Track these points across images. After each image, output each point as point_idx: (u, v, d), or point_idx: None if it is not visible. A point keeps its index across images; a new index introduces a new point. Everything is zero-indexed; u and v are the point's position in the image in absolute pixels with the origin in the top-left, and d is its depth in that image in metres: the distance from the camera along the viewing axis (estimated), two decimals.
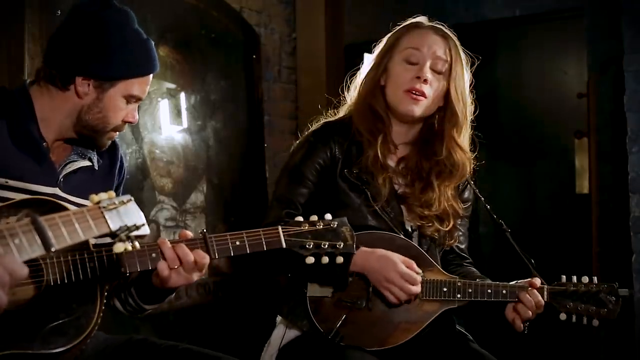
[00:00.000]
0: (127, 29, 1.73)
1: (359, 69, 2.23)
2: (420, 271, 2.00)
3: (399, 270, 1.96)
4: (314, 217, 1.76)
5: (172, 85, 3.46)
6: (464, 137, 2.14)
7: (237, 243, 1.66)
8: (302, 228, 1.73)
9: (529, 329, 2.02)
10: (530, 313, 1.98)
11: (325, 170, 2.10)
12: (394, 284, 1.96)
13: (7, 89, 1.79)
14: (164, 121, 3.42)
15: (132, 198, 1.42)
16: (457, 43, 2.13)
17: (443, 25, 2.16)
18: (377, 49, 2.18)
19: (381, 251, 1.99)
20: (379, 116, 2.12)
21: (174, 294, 1.73)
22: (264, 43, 4.00)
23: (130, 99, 1.75)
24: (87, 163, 1.80)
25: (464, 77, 2.12)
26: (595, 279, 2.04)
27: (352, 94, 2.22)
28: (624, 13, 3.70)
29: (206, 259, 1.62)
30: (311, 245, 1.72)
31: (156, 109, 3.38)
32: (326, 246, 1.73)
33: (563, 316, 2.02)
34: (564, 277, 2.05)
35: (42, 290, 1.48)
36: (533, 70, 4.54)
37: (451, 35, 2.14)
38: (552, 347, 4.12)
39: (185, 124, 3.53)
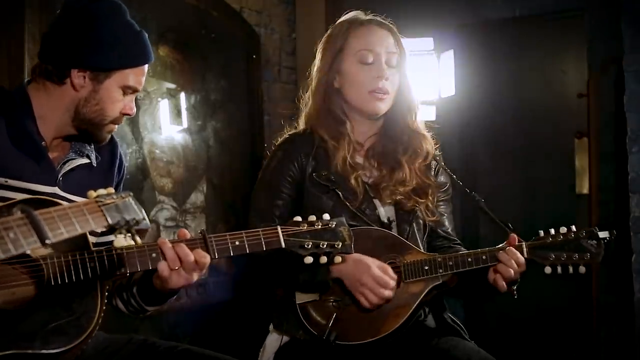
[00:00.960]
0: (118, 21, 1.73)
1: (309, 76, 2.25)
2: (395, 276, 2.01)
3: (372, 274, 1.97)
4: (313, 217, 1.78)
5: (172, 85, 3.46)
6: (419, 122, 2.21)
7: (237, 243, 1.67)
8: (300, 228, 1.74)
9: (517, 292, 2.02)
10: (512, 272, 1.97)
11: (296, 181, 2.13)
12: (367, 288, 1.97)
13: (5, 88, 1.79)
14: (164, 121, 3.42)
15: (132, 193, 1.43)
16: (397, 32, 2.18)
17: (379, 16, 2.20)
18: (323, 52, 2.21)
19: (357, 256, 1.99)
20: (339, 119, 2.16)
21: (175, 296, 1.73)
22: (264, 43, 4.00)
23: (126, 89, 1.75)
24: (85, 160, 1.80)
25: (406, 63, 2.19)
26: (573, 227, 2.02)
27: (307, 103, 2.24)
28: (624, 13, 3.69)
29: (206, 259, 1.62)
30: (310, 245, 1.73)
31: (156, 109, 3.38)
32: (325, 246, 1.75)
33: (548, 269, 2.00)
34: (541, 231, 2.04)
35: (42, 290, 1.48)
36: (533, 70, 4.53)
37: (392, 26, 2.18)
38: (552, 347, 4.12)
39: (185, 124, 3.53)
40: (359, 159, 2.18)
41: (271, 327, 2.17)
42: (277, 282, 2.12)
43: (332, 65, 2.16)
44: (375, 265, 1.99)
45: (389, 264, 2.04)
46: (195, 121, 3.58)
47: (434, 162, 2.25)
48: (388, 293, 1.98)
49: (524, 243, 2.02)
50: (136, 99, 3.22)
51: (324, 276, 1.98)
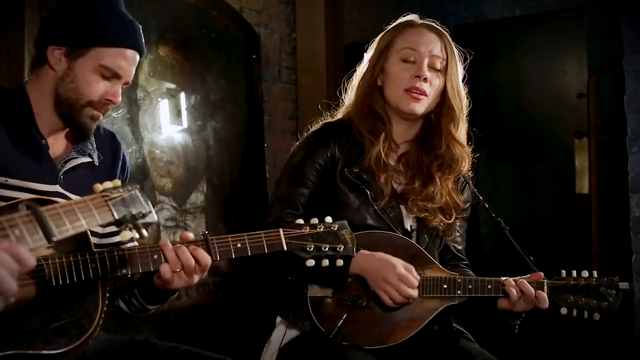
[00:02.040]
0: (107, 6, 1.73)
1: (355, 70, 2.24)
2: (418, 277, 1.99)
3: (397, 272, 1.95)
4: (315, 220, 1.77)
5: (172, 85, 3.45)
6: (461, 132, 2.16)
7: (239, 245, 1.67)
8: (303, 231, 1.74)
9: (519, 328, 2.03)
10: (517, 302, 1.97)
11: (325, 171, 2.10)
12: (391, 285, 1.95)
13: (4, 88, 1.79)
14: (164, 121, 3.42)
15: (138, 186, 1.41)
16: (450, 39, 2.15)
17: (435, 22, 2.17)
18: (372, 50, 2.19)
19: (382, 254, 1.98)
20: (379, 116, 2.13)
21: (176, 294, 1.73)
22: (264, 43, 3.99)
23: (105, 71, 1.70)
24: (87, 159, 1.79)
25: (458, 72, 2.14)
26: (595, 273, 2.03)
27: (349, 96, 2.22)
28: (624, 13, 3.70)
29: (208, 261, 1.62)
30: (312, 248, 1.73)
31: (156, 109, 3.38)
32: (327, 249, 1.74)
33: (564, 310, 2.01)
34: (563, 271, 2.04)
35: (43, 291, 1.48)
36: (533, 70, 4.54)
37: (444, 32, 2.16)
38: (553, 347, 4.12)
39: (185, 124, 3.52)
40: (392, 161, 2.15)
41: (278, 319, 2.15)
42: (287, 273, 2.09)
43: (377, 63, 2.14)
44: (400, 264, 1.97)
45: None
46: (195, 121, 3.57)
47: (461, 179, 2.21)
48: (412, 292, 1.96)
49: (545, 281, 2.01)
50: (136, 100, 3.25)
51: (344, 272, 1.94)
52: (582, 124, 4.10)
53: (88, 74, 1.70)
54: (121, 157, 1.91)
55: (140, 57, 1.79)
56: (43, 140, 1.72)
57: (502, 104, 4.59)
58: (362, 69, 2.20)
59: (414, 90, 2.07)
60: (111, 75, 1.72)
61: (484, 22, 4.47)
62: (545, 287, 2.00)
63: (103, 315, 1.56)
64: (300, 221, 1.77)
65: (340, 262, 1.77)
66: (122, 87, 1.76)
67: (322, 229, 1.75)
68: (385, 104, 2.14)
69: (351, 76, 2.24)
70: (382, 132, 2.11)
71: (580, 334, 4.03)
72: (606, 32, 3.94)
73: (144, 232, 1.37)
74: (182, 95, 3.51)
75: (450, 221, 2.13)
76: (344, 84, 2.27)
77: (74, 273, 1.50)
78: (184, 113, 3.52)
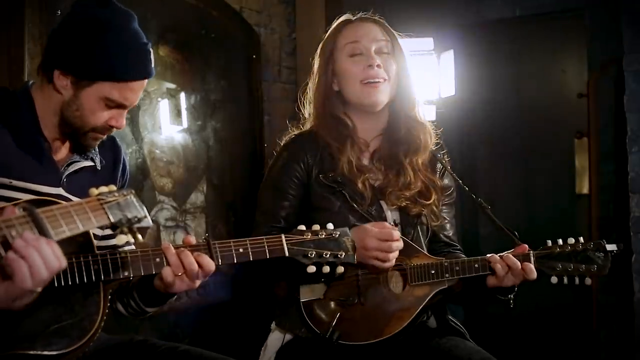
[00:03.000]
0: (123, 31, 1.68)
1: (307, 84, 2.24)
2: (394, 227, 2.01)
3: (374, 234, 1.94)
4: (317, 227, 1.78)
5: (172, 85, 3.45)
6: (418, 110, 2.19)
7: (241, 250, 1.68)
8: (304, 237, 1.75)
9: (514, 302, 2.04)
10: (504, 275, 1.97)
11: (302, 182, 2.12)
12: (374, 249, 1.94)
13: (9, 89, 1.79)
14: (164, 121, 3.42)
15: (133, 191, 1.42)
16: (385, 23, 2.18)
17: (367, 13, 2.20)
18: (317, 59, 2.22)
19: (354, 228, 1.98)
20: (341, 121, 2.14)
21: (175, 297, 1.73)
22: (264, 43, 3.99)
23: (109, 102, 1.70)
24: (89, 163, 1.80)
25: (403, 53, 2.16)
26: (581, 238, 2.03)
27: (308, 110, 2.24)
28: (624, 13, 3.69)
29: (210, 266, 1.62)
30: (313, 255, 1.74)
31: (156, 109, 3.38)
32: (328, 255, 1.76)
33: (554, 279, 2.01)
34: (549, 241, 2.04)
35: (45, 292, 1.48)
36: (533, 70, 4.54)
37: (380, 19, 2.19)
38: (553, 347, 4.12)
39: (185, 124, 3.52)
40: (365, 161, 2.17)
41: (273, 324, 2.16)
42: (280, 278, 2.10)
43: (327, 68, 2.16)
44: (372, 226, 1.96)
45: (396, 266, 2.03)
46: (195, 121, 3.57)
47: (439, 165, 2.23)
48: (397, 244, 1.96)
49: (532, 252, 2.01)
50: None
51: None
52: (582, 124, 4.09)
53: (93, 104, 1.69)
54: (121, 161, 1.91)
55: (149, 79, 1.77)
56: (47, 143, 1.72)
57: (502, 104, 4.59)
58: (313, 79, 2.21)
59: (370, 79, 2.08)
60: (117, 105, 1.71)
61: (484, 22, 4.46)
62: (532, 258, 2.00)
63: (104, 317, 1.56)
64: (302, 227, 1.78)
65: (341, 269, 1.78)
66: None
67: (323, 236, 1.77)
68: (345, 107, 2.15)
69: (305, 90, 2.26)
70: (347, 137, 2.12)
71: (580, 333, 4.03)
72: (606, 32, 3.94)
73: (139, 236, 1.38)
74: (182, 95, 3.51)
75: (430, 203, 2.13)
76: (300, 99, 2.27)
77: (76, 274, 1.50)
78: (184, 113, 3.52)
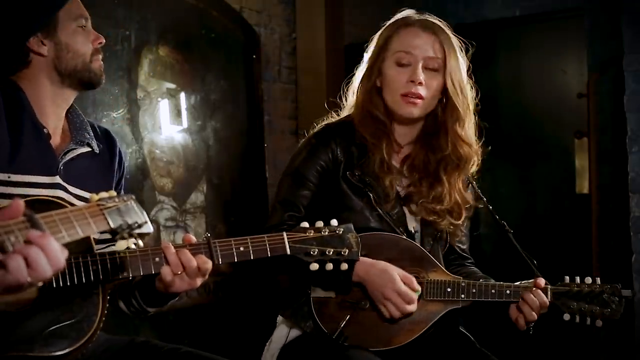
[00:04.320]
0: None
1: (354, 73, 2.21)
2: (419, 288, 1.99)
3: (397, 289, 1.94)
4: (320, 224, 1.75)
5: (172, 85, 3.46)
6: (469, 129, 2.12)
7: (241, 249, 1.66)
8: (307, 234, 1.72)
9: (534, 330, 2.02)
10: (535, 314, 1.97)
11: (327, 173, 2.08)
12: (391, 302, 1.95)
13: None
14: (164, 121, 3.42)
15: (134, 196, 1.42)
16: (449, 33, 2.09)
17: (432, 17, 2.13)
18: (369, 51, 2.17)
19: (382, 265, 1.97)
20: (380, 120, 2.10)
21: (177, 298, 1.73)
22: (264, 43, 4.00)
23: (80, 21, 1.74)
24: (86, 149, 1.80)
25: (460, 67, 2.08)
26: (598, 279, 2.04)
27: (350, 100, 2.20)
28: (624, 13, 3.70)
29: (209, 265, 1.61)
30: (316, 252, 1.71)
31: (156, 109, 3.38)
32: (331, 253, 1.72)
33: (567, 316, 2.01)
34: (567, 277, 2.05)
35: (44, 292, 1.48)
36: (533, 70, 4.53)
37: (441, 26, 2.10)
38: (553, 347, 4.11)
39: (185, 124, 3.52)
40: (395, 163, 2.12)
41: (279, 319, 2.14)
42: (290, 274, 2.08)
43: (375, 65, 2.11)
44: (400, 279, 1.95)
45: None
46: (195, 121, 3.57)
47: (470, 185, 2.20)
48: (411, 308, 1.95)
49: (549, 287, 2.01)
50: (136, 100, 3.26)
51: (347, 277, 1.94)
52: (582, 124, 4.10)
53: (72, 34, 1.74)
54: (118, 153, 1.91)
55: None
56: (45, 129, 1.72)
57: (502, 104, 4.58)
58: (361, 71, 2.17)
59: (410, 95, 2.04)
60: (85, 19, 1.76)
61: (484, 22, 4.46)
62: (549, 293, 2.00)
63: (103, 318, 1.55)
64: (305, 224, 1.74)
65: (344, 266, 1.75)
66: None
67: (326, 233, 1.73)
68: (385, 107, 2.12)
69: (350, 80, 2.22)
70: (384, 135, 2.08)
71: (580, 334, 4.03)
72: (606, 32, 3.94)
73: (140, 242, 1.37)
74: (182, 95, 3.51)
75: (459, 222, 2.11)
76: (343, 88, 2.24)
77: (75, 275, 1.49)
78: (184, 113, 3.52)
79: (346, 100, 2.22)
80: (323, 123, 2.19)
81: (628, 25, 3.67)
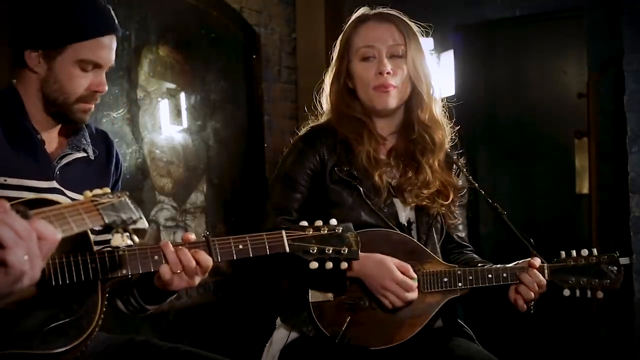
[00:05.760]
0: None
1: (323, 81, 2.23)
2: (415, 276, 1.99)
3: (395, 278, 1.95)
4: (319, 222, 1.75)
5: (172, 85, 3.46)
6: (433, 112, 2.14)
7: (240, 247, 1.65)
8: (306, 233, 1.72)
9: (534, 309, 2.01)
10: (532, 293, 1.97)
11: (316, 174, 2.10)
12: (391, 291, 1.96)
13: None
14: (164, 121, 3.42)
15: (127, 193, 1.42)
16: (406, 20, 2.13)
17: (385, 8, 2.15)
18: (335, 52, 2.19)
19: (377, 257, 1.98)
20: (357, 119, 2.13)
21: (175, 295, 1.73)
22: (264, 43, 4.00)
23: (85, 65, 1.69)
24: (82, 154, 1.80)
25: (421, 53, 2.12)
26: (594, 250, 2.02)
27: (325, 106, 2.23)
28: (624, 13, 3.70)
29: (208, 263, 1.61)
30: (315, 251, 1.71)
31: (156, 109, 3.38)
32: (330, 251, 1.73)
33: (567, 292, 2.00)
34: (563, 252, 2.04)
35: (42, 290, 1.48)
36: (533, 70, 4.53)
37: (398, 15, 2.14)
38: (553, 346, 4.12)
39: (185, 124, 3.53)
40: (382, 156, 2.15)
41: (278, 321, 2.14)
42: (287, 277, 2.09)
43: (341, 67, 2.15)
44: (396, 268, 1.96)
45: None
46: (195, 121, 3.58)
47: (454, 166, 2.22)
48: (411, 295, 1.96)
49: (545, 265, 2.01)
50: (136, 100, 3.25)
51: (342, 275, 1.94)
52: (582, 124, 4.09)
53: (69, 71, 1.68)
54: (114, 155, 1.91)
55: (117, 37, 1.76)
56: (39, 136, 1.72)
57: (502, 104, 4.59)
58: (329, 77, 2.20)
59: (381, 87, 2.07)
60: (92, 66, 1.71)
61: (484, 22, 4.46)
62: (546, 271, 2.00)
63: (102, 316, 1.55)
64: (304, 223, 1.75)
65: (344, 265, 1.75)
66: (105, 72, 1.75)
67: (325, 231, 1.73)
68: (361, 105, 2.14)
69: (321, 86, 2.24)
70: (365, 129, 2.11)
71: (580, 334, 4.03)
72: (606, 32, 3.94)
73: (136, 238, 1.38)
74: (182, 95, 3.51)
75: (448, 201, 2.13)
76: (315, 96, 2.27)
77: (74, 273, 1.50)
78: (184, 113, 3.52)
79: (322, 107, 2.25)
80: (308, 126, 2.22)
81: (628, 25, 3.67)
